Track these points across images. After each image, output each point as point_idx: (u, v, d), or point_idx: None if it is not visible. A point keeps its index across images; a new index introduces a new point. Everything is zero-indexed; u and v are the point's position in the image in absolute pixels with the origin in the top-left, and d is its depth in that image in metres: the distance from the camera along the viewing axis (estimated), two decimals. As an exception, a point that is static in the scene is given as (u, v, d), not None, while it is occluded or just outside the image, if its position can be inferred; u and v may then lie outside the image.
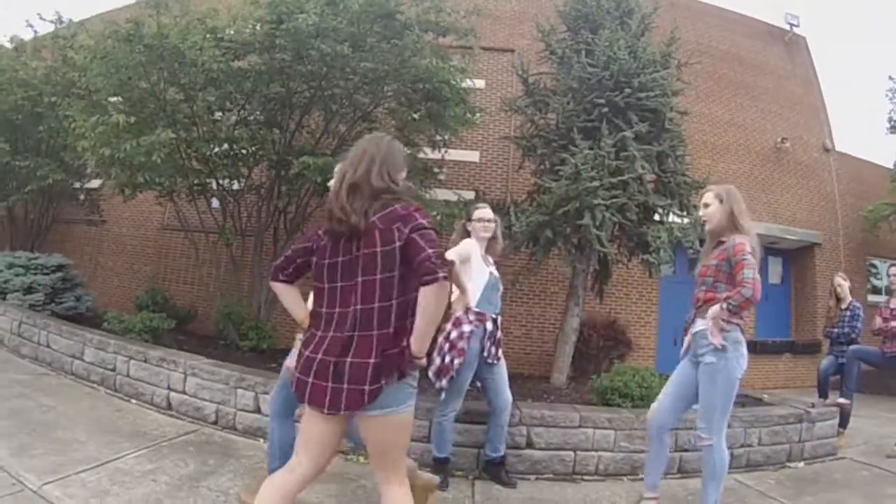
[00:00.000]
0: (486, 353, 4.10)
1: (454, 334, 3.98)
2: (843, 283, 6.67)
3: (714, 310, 3.47)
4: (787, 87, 13.93)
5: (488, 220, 4.26)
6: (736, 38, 13.80)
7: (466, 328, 4.00)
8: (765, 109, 13.36)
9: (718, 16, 13.97)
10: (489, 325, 4.09)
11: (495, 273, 4.23)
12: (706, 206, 3.71)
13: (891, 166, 14.09)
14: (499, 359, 4.20)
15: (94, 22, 10.45)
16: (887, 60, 49.83)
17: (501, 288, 4.27)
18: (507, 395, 4.25)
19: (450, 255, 3.79)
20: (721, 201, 3.63)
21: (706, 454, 3.51)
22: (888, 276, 6.37)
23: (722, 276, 3.53)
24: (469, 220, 4.32)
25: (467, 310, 3.98)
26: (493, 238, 4.32)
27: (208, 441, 4.64)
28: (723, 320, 3.43)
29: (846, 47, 54.56)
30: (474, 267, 4.10)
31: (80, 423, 4.56)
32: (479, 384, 4.28)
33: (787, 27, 14.48)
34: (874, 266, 14.16)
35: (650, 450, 3.85)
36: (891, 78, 14.05)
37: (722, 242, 3.59)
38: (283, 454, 3.19)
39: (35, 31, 11.09)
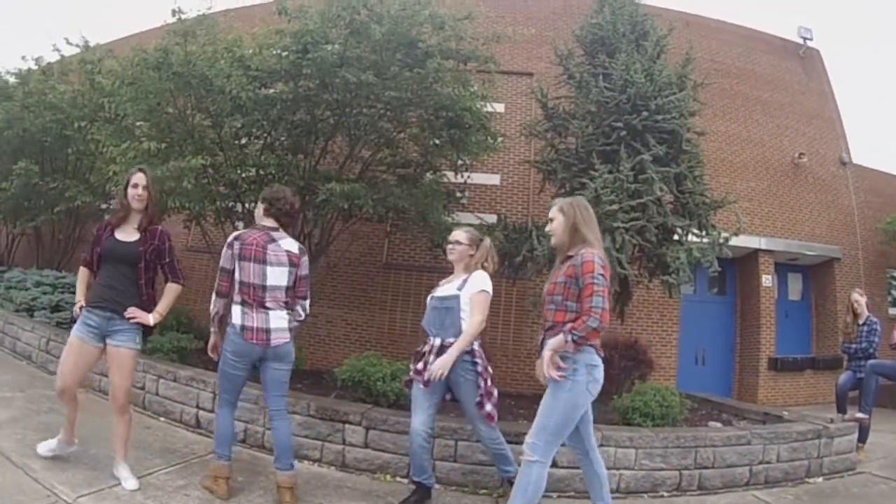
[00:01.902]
0: (414, 373, 4.15)
1: None
2: (859, 299, 6.70)
3: (556, 341, 3.30)
4: (803, 101, 13.94)
5: (453, 242, 4.29)
6: (751, 55, 13.86)
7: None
8: (781, 125, 13.39)
9: (733, 32, 14.03)
10: (422, 345, 4.17)
11: (438, 294, 4.21)
12: (551, 220, 3.58)
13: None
14: (426, 383, 3.98)
15: (120, 46, 10.69)
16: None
17: (453, 304, 4.06)
18: (476, 428, 4.16)
19: None
20: (564, 214, 3.48)
21: (524, 468, 3.29)
22: None
23: (571, 294, 3.33)
24: None
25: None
26: (474, 257, 4.23)
27: (237, 458, 4.64)
28: (575, 342, 3.21)
29: (860, 59, 54.25)
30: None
31: (110, 439, 4.67)
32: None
33: (801, 41, 14.49)
34: (894, 278, 14.06)
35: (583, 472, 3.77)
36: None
37: (570, 257, 3.41)
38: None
39: (61, 55, 11.37)
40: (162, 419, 5.55)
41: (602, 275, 3.22)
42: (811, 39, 14.52)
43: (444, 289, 4.21)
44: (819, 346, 12.86)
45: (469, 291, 4.03)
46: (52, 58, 11.48)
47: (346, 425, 4.83)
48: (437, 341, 4.01)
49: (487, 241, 4.36)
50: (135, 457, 4.28)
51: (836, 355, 11.95)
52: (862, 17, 58.96)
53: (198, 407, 5.44)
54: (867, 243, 13.46)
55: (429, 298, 4.25)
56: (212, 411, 5.30)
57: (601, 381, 3.36)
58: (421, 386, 4.02)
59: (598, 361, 3.33)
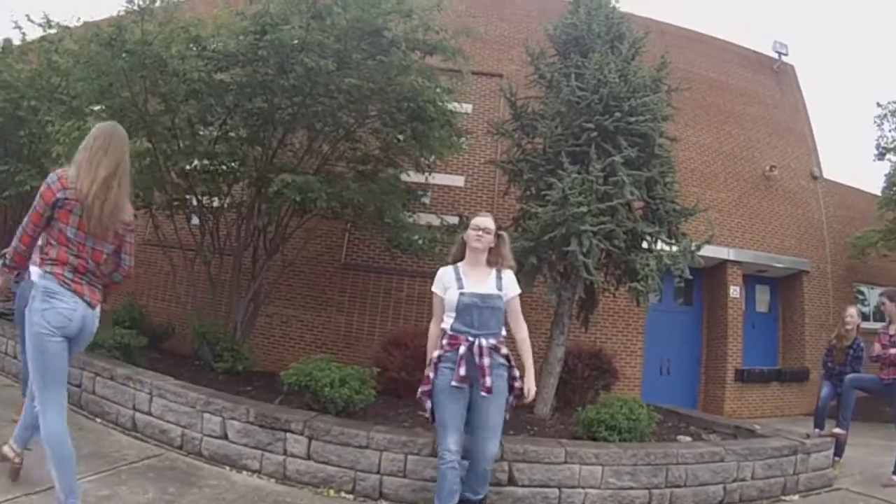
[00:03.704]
0: (456, 381, 3.60)
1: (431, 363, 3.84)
2: (855, 318, 6.61)
3: None
4: (775, 115, 13.96)
5: (483, 229, 3.86)
6: (725, 67, 13.85)
7: (435, 354, 3.76)
8: (753, 137, 13.38)
9: (708, 44, 14.02)
10: (462, 349, 3.63)
11: (479, 290, 3.73)
12: None
13: (878, 193, 14.11)
14: (488, 390, 3.60)
15: (80, 30, 10.31)
16: (876, 86, 50.66)
17: (498, 304, 3.77)
18: (489, 446, 3.68)
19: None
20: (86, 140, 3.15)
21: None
22: (880, 303, 6.29)
23: None
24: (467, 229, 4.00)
25: (444, 333, 3.76)
26: (494, 252, 3.92)
27: (171, 467, 4.41)
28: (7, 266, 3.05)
29: (836, 75, 55.47)
30: (449, 287, 3.82)
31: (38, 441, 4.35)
32: None
33: (776, 55, 14.57)
34: (861, 293, 14.23)
35: None
36: (878, 104, 14.06)
37: None
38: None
39: (23, 34, 10.94)
40: (98, 420, 5.25)
41: (41, 194, 2.92)
42: (786, 54, 14.62)
43: (479, 284, 3.78)
44: (786, 358, 12.86)
45: (508, 294, 3.83)
46: (16, 37, 11.05)
47: (288, 434, 4.51)
48: (483, 342, 3.64)
49: (505, 234, 4.06)
50: (61, 462, 3.97)
51: (803, 367, 12.05)
52: (840, 38, 60.32)
53: (134, 408, 5.13)
54: (836, 257, 13.52)
55: (457, 294, 3.74)
56: (148, 413, 5.04)
57: (64, 311, 2.94)
58: (455, 393, 3.62)
59: (63, 290, 2.93)
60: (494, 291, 3.76)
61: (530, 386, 3.77)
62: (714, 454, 4.94)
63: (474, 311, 3.69)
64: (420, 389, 3.83)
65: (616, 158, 6.43)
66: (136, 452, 4.55)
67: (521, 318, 3.90)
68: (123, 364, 5.81)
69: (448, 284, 3.82)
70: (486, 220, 3.92)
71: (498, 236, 3.93)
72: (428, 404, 3.80)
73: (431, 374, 3.73)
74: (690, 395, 12.14)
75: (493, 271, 3.86)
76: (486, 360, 3.59)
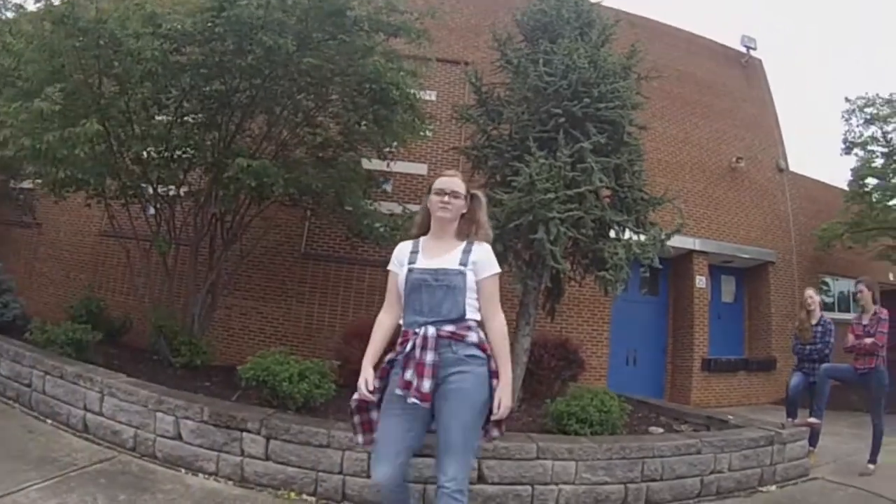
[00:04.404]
0: (400, 387, 2.83)
1: None
2: (814, 297, 6.64)
3: None
4: (743, 108, 14.08)
5: (450, 193, 3.02)
6: (693, 59, 13.90)
7: (388, 357, 2.99)
8: (720, 129, 13.47)
9: (676, 36, 14.03)
10: (409, 346, 2.85)
11: (431, 265, 2.94)
12: None
13: (845, 187, 14.35)
14: (422, 397, 2.75)
15: (36, 11, 9.95)
16: (846, 82, 51.63)
17: (457, 283, 2.90)
18: (445, 466, 2.72)
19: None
20: None
21: None
22: (857, 292, 6.29)
23: None
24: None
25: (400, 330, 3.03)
26: (467, 219, 3.11)
27: (123, 471, 4.19)
28: None
29: (806, 69, 56.41)
30: (404, 264, 3.04)
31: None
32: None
33: (744, 49, 14.69)
34: (825, 283, 14.51)
35: None
36: (847, 99, 14.26)
37: None
38: None
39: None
40: (49, 422, 5.02)
41: None
42: (754, 49, 14.76)
43: (437, 259, 2.97)
44: (752, 347, 13.00)
45: (480, 272, 2.95)
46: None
47: (244, 433, 4.30)
48: (431, 330, 2.82)
49: (481, 194, 3.26)
50: (7, 469, 3.81)
51: (770, 356, 12.18)
52: (810, 33, 61.31)
53: (85, 409, 4.89)
54: (801, 248, 13.71)
55: (405, 271, 2.99)
56: (100, 414, 4.80)
57: None
58: (396, 405, 2.85)
59: None
60: (453, 266, 2.91)
61: (502, 399, 2.88)
62: (690, 446, 4.86)
63: (424, 291, 2.89)
64: (354, 397, 2.99)
65: (584, 145, 6.30)
66: (87, 456, 4.36)
67: (496, 304, 2.99)
68: (73, 362, 5.56)
69: (404, 261, 3.05)
70: (452, 181, 3.08)
71: (472, 197, 3.14)
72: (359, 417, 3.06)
73: (375, 383, 2.95)
74: (657, 384, 12.17)
75: (462, 244, 3.02)
76: (430, 357, 2.77)
